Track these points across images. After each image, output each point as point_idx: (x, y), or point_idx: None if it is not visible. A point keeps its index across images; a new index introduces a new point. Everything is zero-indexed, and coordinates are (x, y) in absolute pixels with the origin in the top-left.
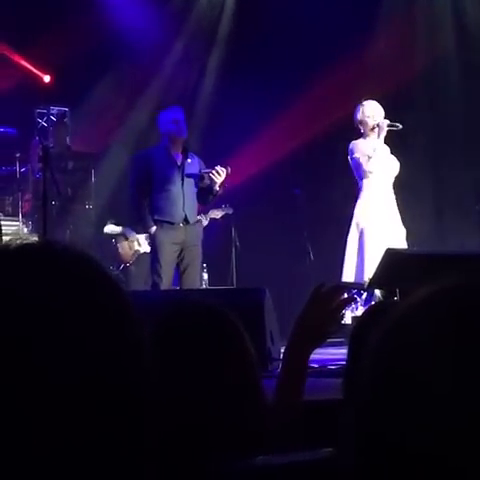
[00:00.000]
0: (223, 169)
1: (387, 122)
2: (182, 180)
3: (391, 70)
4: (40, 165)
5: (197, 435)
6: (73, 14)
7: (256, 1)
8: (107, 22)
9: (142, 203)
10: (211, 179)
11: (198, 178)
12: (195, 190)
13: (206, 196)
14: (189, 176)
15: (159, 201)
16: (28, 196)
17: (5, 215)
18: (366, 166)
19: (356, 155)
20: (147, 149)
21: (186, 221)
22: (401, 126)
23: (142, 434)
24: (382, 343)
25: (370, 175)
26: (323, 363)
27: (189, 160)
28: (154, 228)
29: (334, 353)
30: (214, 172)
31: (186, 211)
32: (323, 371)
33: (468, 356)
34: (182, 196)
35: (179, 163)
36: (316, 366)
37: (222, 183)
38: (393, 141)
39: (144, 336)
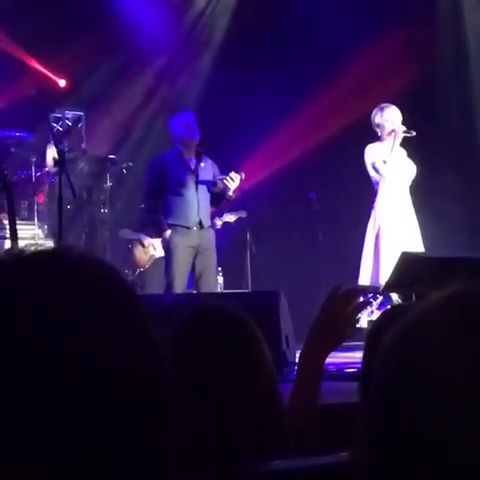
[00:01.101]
0: (237, 175)
1: (403, 128)
2: (196, 184)
3: (402, 71)
4: (55, 169)
5: (214, 439)
6: (87, 19)
7: None
8: (120, 25)
9: (157, 207)
10: (225, 185)
11: (212, 184)
12: (209, 195)
13: (219, 200)
14: (203, 182)
15: (174, 205)
16: (44, 200)
17: (21, 219)
18: (381, 170)
19: (372, 158)
20: (161, 154)
21: (200, 225)
22: (415, 133)
23: (161, 438)
24: (394, 345)
25: (386, 179)
26: (340, 366)
27: (203, 164)
28: (169, 232)
29: (351, 356)
30: (228, 178)
31: (201, 215)
32: (340, 374)
33: None
34: (197, 200)
35: (193, 167)
36: (333, 369)
37: (236, 189)
38: (410, 145)
39: (159, 342)
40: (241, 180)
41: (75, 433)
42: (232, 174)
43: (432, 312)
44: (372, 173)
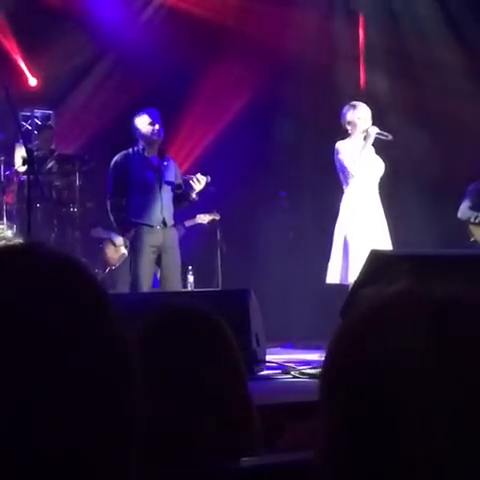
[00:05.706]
0: (203, 177)
1: (377, 130)
2: (160, 183)
3: None
4: (24, 168)
5: (182, 438)
6: (59, 18)
7: None
8: (92, 24)
9: (121, 205)
10: (190, 186)
11: (174, 185)
12: (172, 193)
13: (182, 202)
14: (166, 180)
15: (137, 204)
16: (13, 200)
17: None
18: (350, 168)
19: (341, 156)
20: (125, 152)
21: (164, 224)
22: (392, 137)
23: (128, 436)
24: (342, 340)
25: (355, 177)
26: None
27: (165, 163)
28: (133, 231)
29: None
30: (195, 179)
31: (164, 214)
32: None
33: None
34: (160, 199)
35: (156, 165)
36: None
37: (200, 191)
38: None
39: (127, 340)
40: (207, 183)
41: (40, 430)
42: (199, 175)
43: (379, 312)
44: (341, 171)
